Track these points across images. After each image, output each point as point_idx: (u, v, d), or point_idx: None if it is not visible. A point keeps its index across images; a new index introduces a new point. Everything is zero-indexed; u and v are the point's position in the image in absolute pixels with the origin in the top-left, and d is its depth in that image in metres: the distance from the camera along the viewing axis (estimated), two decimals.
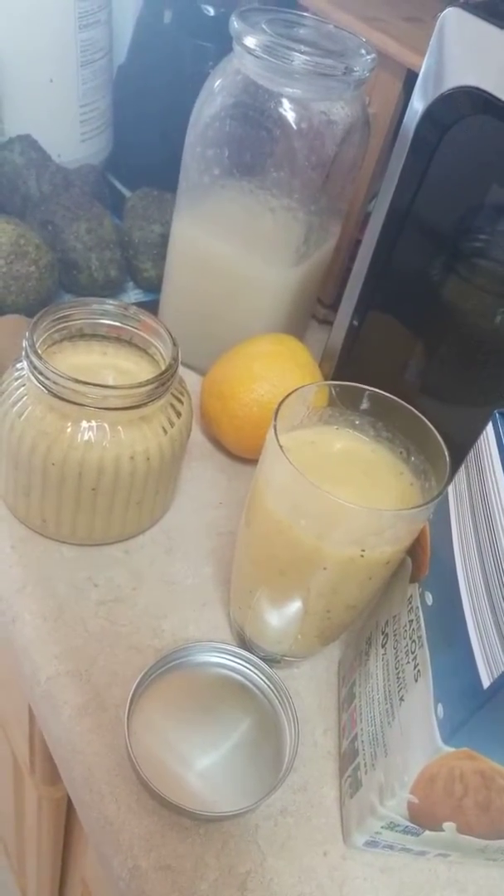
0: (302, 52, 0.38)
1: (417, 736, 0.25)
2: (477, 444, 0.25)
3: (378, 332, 0.45)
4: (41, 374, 0.32)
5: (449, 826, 0.27)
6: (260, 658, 0.34)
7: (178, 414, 0.37)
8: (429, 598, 0.27)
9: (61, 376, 0.32)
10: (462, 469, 0.26)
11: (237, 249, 0.44)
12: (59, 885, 0.64)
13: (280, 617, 0.32)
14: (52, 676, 0.33)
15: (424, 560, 0.28)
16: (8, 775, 0.61)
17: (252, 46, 0.38)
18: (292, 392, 0.30)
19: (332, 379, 0.47)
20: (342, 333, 0.46)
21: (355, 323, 0.45)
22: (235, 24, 0.39)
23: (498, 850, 0.29)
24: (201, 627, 0.36)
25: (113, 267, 0.50)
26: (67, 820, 0.54)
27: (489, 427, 0.25)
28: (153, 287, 0.52)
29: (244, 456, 0.45)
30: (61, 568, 0.37)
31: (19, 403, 0.34)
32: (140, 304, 0.52)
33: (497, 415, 0.25)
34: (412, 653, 0.27)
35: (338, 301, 0.49)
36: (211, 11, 0.57)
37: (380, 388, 0.32)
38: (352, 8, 0.48)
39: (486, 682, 0.21)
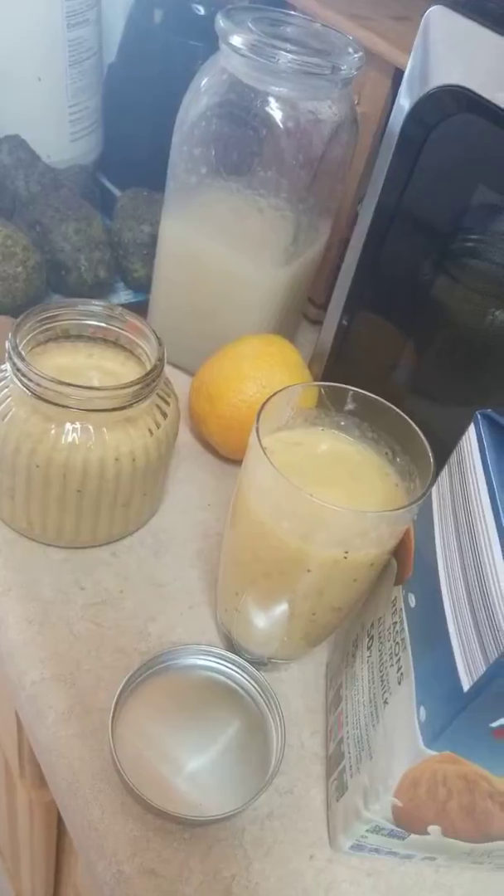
0: (288, 51, 0.38)
1: (401, 739, 0.25)
2: (459, 445, 0.25)
3: (367, 332, 0.44)
4: (24, 375, 0.32)
5: (434, 829, 0.27)
6: (247, 661, 0.34)
7: (165, 415, 0.36)
8: (412, 600, 0.27)
9: (45, 378, 0.32)
10: (445, 470, 0.26)
11: (226, 249, 0.43)
12: (54, 891, 0.64)
13: (266, 619, 0.32)
14: (37, 681, 0.33)
15: (409, 562, 0.28)
16: (0, 780, 0.61)
17: (238, 45, 0.38)
18: (276, 393, 0.30)
19: (322, 379, 0.47)
20: (332, 333, 0.46)
21: (344, 322, 0.45)
22: (221, 22, 0.38)
23: (484, 854, 0.29)
24: (189, 630, 0.36)
25: (102, 268, 0.49)
26: (60, 825, 0.54)
27: (471, 428, 0.25)
28: (143, 288, 0.52)
29: (232, 457, 0.45)
30: (47, 571, 0.37)
31: (3, 405, 0.34)
32: (130, 305, 0.51)
33: (479, 416, 0.24)
34: (395, 655, 0.27)
35: (328, 300, 0.49)
36: (201, 11, 0.57)
37: (370, 389, 0.31)
38: (339, 6, 0.48)
39: (465, 686, 0.21)
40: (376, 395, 0.31)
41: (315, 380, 0.46)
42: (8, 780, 0.57)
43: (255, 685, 0.34)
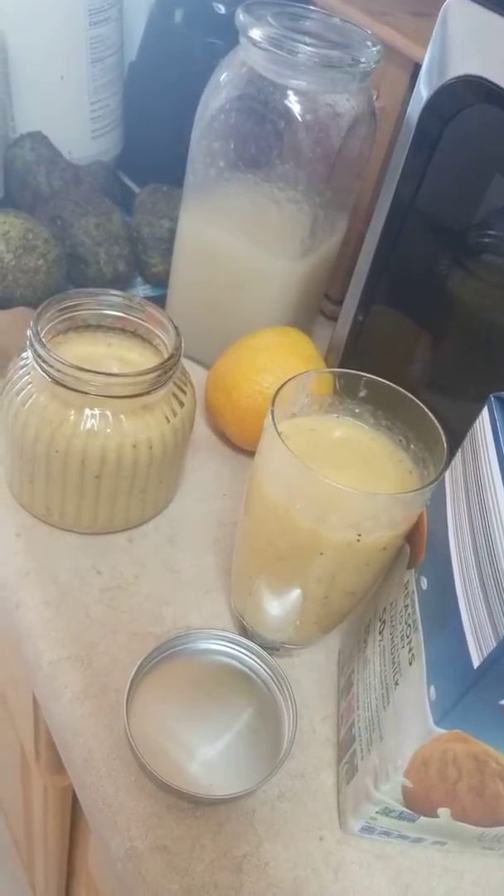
0: (307, 44, 0.38)
1: (411, 719, 0.25)
2: (472, 428, 0.25)
3: (382, 327, 0.45)
4: (45, 361, 0.33)
5: (444, 812, 0.27)
6: (260, 646, 0.34)
7: (182, 404, 0.37)
8: (424, 583, 0.27)
9: (64, 364, 0.33)
10: (458, 454, 0.26)
11: (243, 242, 0.44)
12: (67, 877, 0.64)
13: (279, 604, 0.33)
14: (54, 661, 0.33)
15: (421, 546, 0.28)
16: (15, 766, 0.62)
17: (258, 39, 0.38)
18: (291, 378, 0.30)
19: None
20: (346, 328, 0.46)
21: (360, 318, 0.45)
22: (241, 16, 0.39)
23: (494, 839, 0.29)
24: (203, 615, 0.37)
25: (121, 262, 0.50)
26: (74, 811, 0.54)
27: (484, 411, 0.25)
28: (161, 282, 0.53)
29: (248, 448, 0.45)
30: (65, 555, 0.37)
31: (24, 392, 0.34)
32: (148, 299, 0.52)
33: (493, 398, 0.25)
34: (407, 637, 0.27)
35: (345, 296, 0.49)
36: (222, 9, 0.57)
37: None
38: (358, 2, 0.49)
39: (476, 662, 0.21)
40: None
41: None
42: (24, 766, 0.58)
43: (268, 670, 0.34)
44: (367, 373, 0.32)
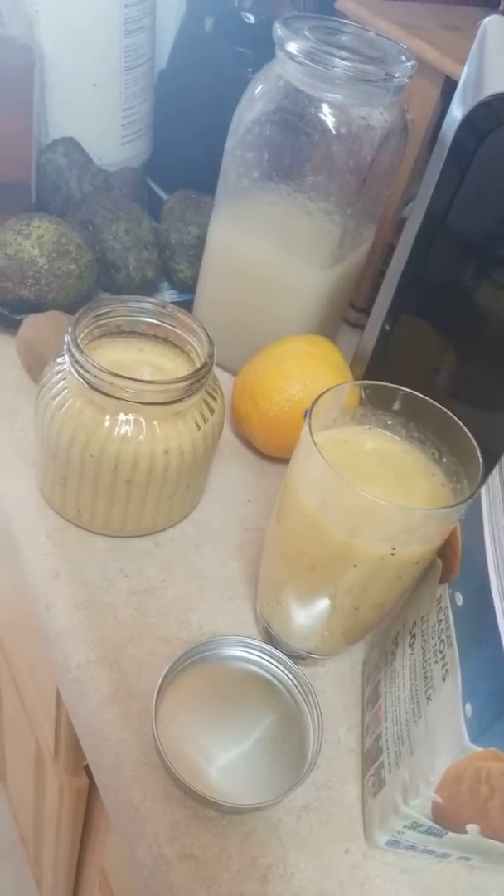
0: (343, 59, 0.38)
1: (444, 735, 0.25)
2: None
3: (410, 337, 0.45)
4: (82, 367, 0.33)
5: (473, 828, 0.27)
6: (285, 654, 0.35)
7: (212, 411, 0.37)
8: (459, 599, 0.27)
9: (101, 370, 0.33)
10: (496, 470, 0.27)
11: (273, 251, 0.44)
12: (76, 873, 0.64)
13: (308, 613, 0.33)
14: (83, 664, 0.34)
15: (455, 561, 0.28)
16: (29, 761, 0.62)
17: (294, 52, 0.39)
18: (327, 390, 0.30)
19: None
20: (374, 337, 0.46)
21: (387, 327, 0.45)
22: (279, 30, 0.39)
23: None
24: (228, 621, 0.37)
25: (150, 267, 0.51)
26: (88, 810, 0.55)
27: None
28: (187, 287, 0.53)
29: (273, 454, 0.45)
30: (94, 558, 0.38)
31: (59, 396, 0.35)
32: (174, 304, 0.53)
33: None
34: (440, 652, 0.27)
35: (369, 304, 0.49)
36: (251, 19, 0.58)
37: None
38: (391, 15, 0.49)
39: None
40: None
41: None
42: (38, 762, 0.58)
43: (293, 679, 0.34)
44: (394, 381, 0.32)
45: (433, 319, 0.43)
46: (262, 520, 0.42)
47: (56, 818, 0.58)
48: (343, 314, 0.55)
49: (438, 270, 0.41)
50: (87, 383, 0.33)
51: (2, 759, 0.81)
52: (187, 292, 0.53)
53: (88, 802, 0.53)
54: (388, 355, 0.46)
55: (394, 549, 0.28)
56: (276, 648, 0.35)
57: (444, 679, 0.26)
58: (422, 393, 0.32)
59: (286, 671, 0.35)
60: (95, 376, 0.33)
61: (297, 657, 0.35)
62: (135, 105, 0.57)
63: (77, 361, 0.33)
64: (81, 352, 0.33)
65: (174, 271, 0.53)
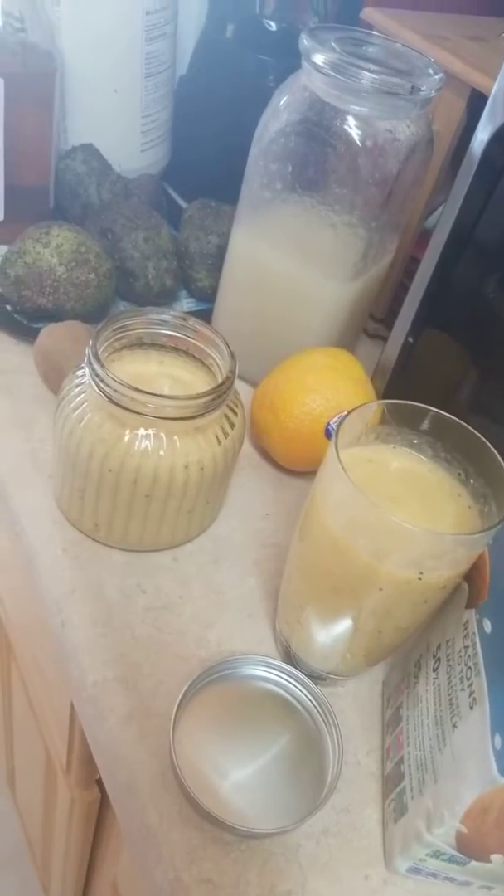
0: (371, 71, 0.38)
1: (472, 765, 0.25)
2: None
3: (433, 350, 0.44)
4: (102, 381, 0.33)
5: (497, 858, 0.27)
6: (305, 674, 0.34)
7: (233, 425, 0.37)
8: (487, 626, 0.26)
9: (122, 384, 0.33)
10: None
11: (295, 263, 0.44)
12: (84, 887, 0.64)
13: (329, 634, 0.32)
14: (99, 682, 0.33)
15: (483, 586, 0.28)
16: (39, 771, 0.62)
17: (321, 64, 0.38)
18: (353, 409, 0.30)
19: (385, 395, 0.47)
20: (396, 349, 0.46)
21: (410, 340, 0.45)
22: (305, 41, 0.39)
23: None
24: (246, 639, 0.36)
25: (168, 276, 0.50)
26: (98, 822, 0.54)
27: None
28: (206, 297, 0.53)
29: (293, 468, 0.45)
30: (111, 573, 0.37)
31: (79, 410, 0.34)
32: (192, 314, 0.52)
33: None
34: (467, 679, 0.27)
35: (389, 315, 0.49)
36: (272, 27, 0.57)
37: (432, 406, 0.31)
38: (416, 26, 0.48)
39: None
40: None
41: (378, 395, 0.46)
42: (48, 773, 0.58)
43: (313, 700, 0.34)
44: (416, 395, 0.32)
45: (458, 333, 0.43)
46: (279, 535, 0.42)
47: (66, 829, 0.57)
48: (363, 325, 0.55)
49: (464, 284, 0.41)
50: (108, 397, 0.33)
51: (10, 762, 0.81)
52: (206, 301, 0.53)
53: (100, 816, 0.53)
54: (410, 368, 0.45)
55: (421, 573, 0.27)
56: (296, 668, 0.34)
57: (471, 707, 0.26)
58: (444, 407, 0.31)
59: (305, 692, 0.34)
60: (116, 390, 0.33)
61: (317, 677, 0.35)
62: (155, 112, 0.57)
63: (97, 375, 0.33)
64: (102, 365, 0.33)
65: (193, 280, 0.52)
